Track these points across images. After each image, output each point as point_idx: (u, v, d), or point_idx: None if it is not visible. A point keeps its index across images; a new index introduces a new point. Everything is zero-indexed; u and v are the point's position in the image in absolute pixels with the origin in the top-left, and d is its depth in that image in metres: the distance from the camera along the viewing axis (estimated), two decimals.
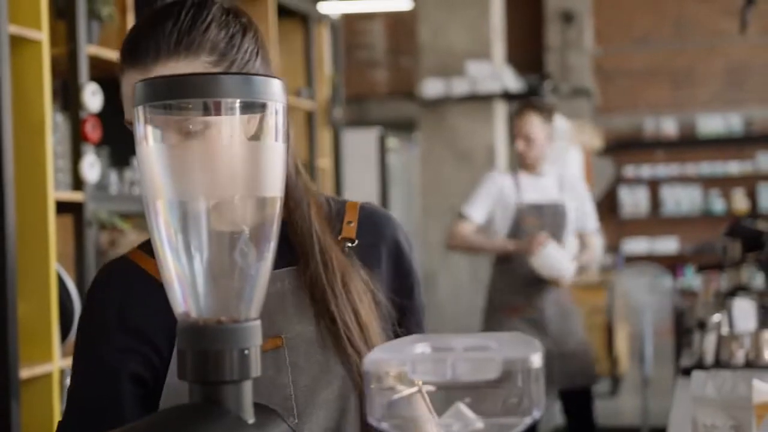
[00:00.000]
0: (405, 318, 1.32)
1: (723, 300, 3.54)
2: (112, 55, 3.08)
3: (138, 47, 1.17)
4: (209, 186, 0.88)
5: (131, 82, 1.17)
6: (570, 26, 10.07)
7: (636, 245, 10.48)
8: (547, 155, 4.05)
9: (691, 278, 9.61)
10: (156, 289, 1.21)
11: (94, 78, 2.96)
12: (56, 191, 2.78)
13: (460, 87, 5.82)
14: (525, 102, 4.26)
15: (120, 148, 3.21)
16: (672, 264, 9.92)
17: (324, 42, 4.98)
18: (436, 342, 0.79)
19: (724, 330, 2.81)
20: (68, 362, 2.80)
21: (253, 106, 0.88)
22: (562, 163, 8.07)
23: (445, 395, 0.76)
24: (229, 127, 0.88)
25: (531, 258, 3.91)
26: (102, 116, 2.96)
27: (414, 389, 0.79)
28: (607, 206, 10.57)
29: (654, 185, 10.54)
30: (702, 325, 3.12)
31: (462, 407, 0.75)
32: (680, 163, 10.41)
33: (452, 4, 6.05)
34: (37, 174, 2.69)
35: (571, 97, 9.61)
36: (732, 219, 8.27)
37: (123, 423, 1.15)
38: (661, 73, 10.49)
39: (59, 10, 2.90)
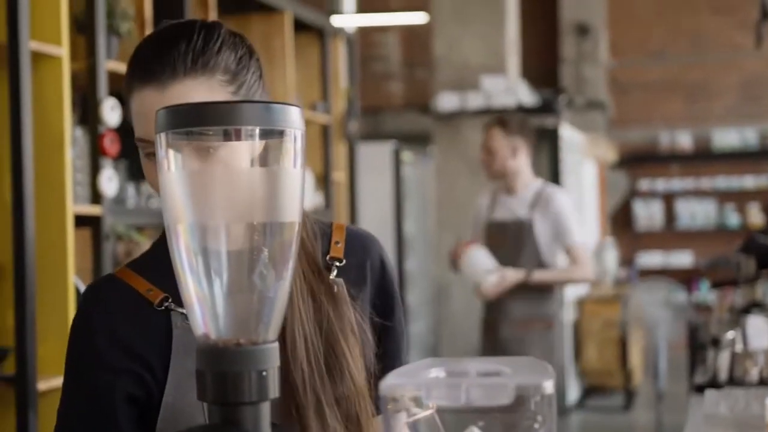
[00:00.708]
0: (384, 341, 1.32)
1: (737, 317, 3.53)
2: None
3: (152, 65, 1.18)
4: (229, 210, 0.90)
5: (145, 100, 1.18)
6: (585, 39, 10.07)
7: (650, 259, 10.46)
8: (517, 170, 4.02)
9: (706, 293, 9.58)
10: (145, 306, 1.22)
11: (112, 93, 2.99)
12: (75, 205, 2.81)
13: (475, 101, 5.84)
14: (494, 117, 4.32)
15: (137, 162, 3.23)
16: (686, 278, 9.89)
17: (339, 56, 5.01)
18: (451, 366, 0.80)
19: (738, 347, 2.81)
20: None
21: (272, 133, 0.90)
22: (576, 177, 8.07)
23: (459, 419, 0.78)
24: (248, 153, 0.90)
25: (458, 263, 3.99)
26: (120, 130, 3.00)
27: (428, 412, 0.80)
28: (622, 220, 10.55)
29: (669, 199, 10.52)
30: (716, 342, 3.11)
31: (475, 431, 0.76)
32: (695, 177, 10.39)
33: (467, 18, 6.08)
34: (56, 188, 2.72)
35: (585, 110, 9.61)
36: (747, 233, 8.25)
37: None
38: (676, 87, 10.48)
39: (79, 25, 2.94)
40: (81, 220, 2.88)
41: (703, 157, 10.34)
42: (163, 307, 1.22)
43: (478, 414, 0.76)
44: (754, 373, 2.66)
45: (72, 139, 2.81)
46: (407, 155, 6.59)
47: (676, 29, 10.41)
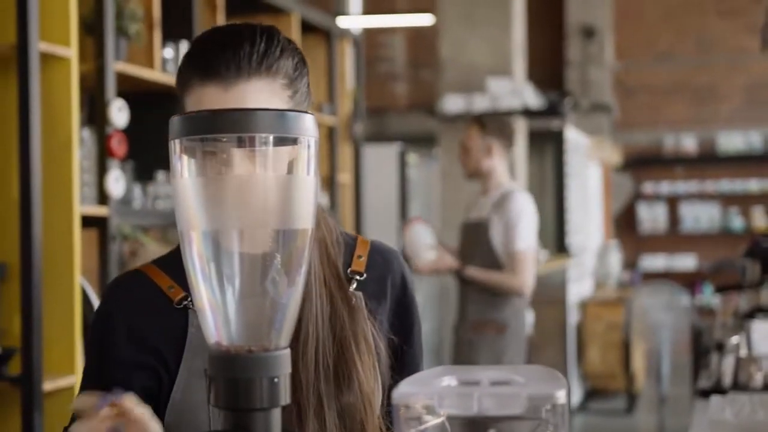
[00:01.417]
0: (401, 358, 1.32)
1: (742, 321, 3.53)
2: (139, 71, 3.12)
3: (217, 63, 1.18)
4: (242, 217, 0.90)
5: (206, 97, 1.18)
6: (591, 41, 10.07)
7: (654, 262, 10.45)
8: (491, 171, 4.01)
9: (710, 296, 9.57)
10: (165, 303, 1.24)
11: (120, 94, 3.00)
12: (82, 206, 2.82)
13: (481, 103, 5.84)
14: (474, 116, 4.38)
15: (144, 162, 3.25)
16: (690, 281, 9.88)
17: (346, 58, 5.01)
18: (462, 375, 0.81)
19: (743, 352, 2.81)
20: None
21: (286, 141, 0.90)
22: (580, 179, 8.07)
23: (471, 428, 0.78)
24: (262, 161, 0.90)
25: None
26: (127, 131, 3.00)
27: (439, 420, 0.81)
28: (626, 222, 10.55)
29: (673, 202, 10.51)
30: (720, 347, 3.11)
31: None
32: (700, 180, 10.38)
33: (473, 20, 6.08)
34: (64, 188, 2.72)
35: (591, 112, 9.61)
36: (751, 237, 8.24)
37: None
38: (681, 90, 10.47)
39: (88, 26, 2.95)
40: (87, 221, 2.89)
41: (708, 160, 10.33)
42: (182, 306, 1.23)
43: (489, 423, 0.76)
44: (758, 379, 2.66)
45: (79, 139, 2.82)
46: (412, 157, 6.59)
47: (682, 32, 10.40)
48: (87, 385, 1.26)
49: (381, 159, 6.18)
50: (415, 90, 10.21)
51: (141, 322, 1.24)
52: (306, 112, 0.91)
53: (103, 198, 2.93)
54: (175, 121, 0.90)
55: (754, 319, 3.31)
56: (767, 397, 2.10)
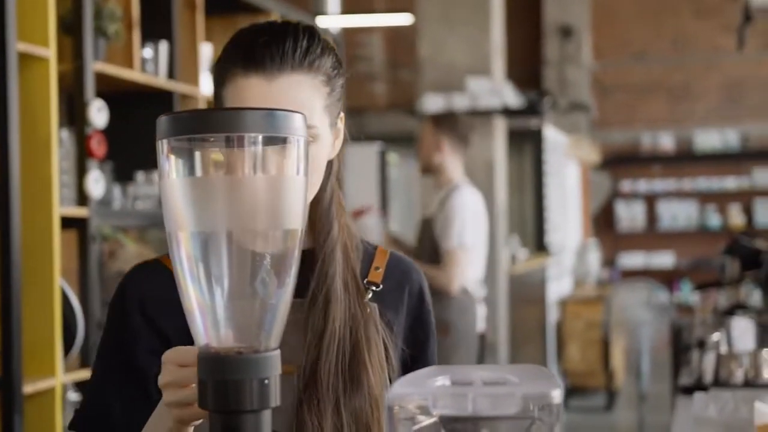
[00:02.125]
0: (412, 369, 1.31)
1: (721, 318, 3.55)
2: (118, 71, 3.10)
3: (259, 55, 1.18)
4: (231, 218, 0.89)
5: (248, 88, 1.18)
6: (568, 41, 10.11)
7: (632, 259, 10.51)
8: (441, 167, 4.02)
9: (688, 293, 9.64)
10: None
11: (99, 94, 2.98)
12: (61, 207, 2.79)
13: (460, 103, 5.84)
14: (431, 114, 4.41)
15: (124, 163, 3.22)
16: (668, 278, 9.94)
17: None
18: (456, 375, 0.80)
19: (723, 349, 2.83)
20: (71, 377, 2.81)
21: (276, 140, 0.89)
22: (559, 178, 8.10)
23: (465, 427, 0.78)
24: (251, 161, 0.89)
25: None
26: (106, 132, 2.98)
27: (433, 420, 0.80)
28: (604, 220, 10.59)
29: (650, 200, 10.57)
30: (701, 344, 3.13)
31: None
32: (677, 178, 10.44)
33: (452, 20, 6.08)
34: (43, 189, 2.70)
35: (568, 111, 9.65)
36: (728, 235, 8.29)
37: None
38: (658, 89, 10.53)
39: (66, 26, 2.92)
40: (67, 222, 2.86)
41: (685, 159, 10.40)
42: None
43: (484, 423, 0.76)
44: (739, 375, 2.68)
45: (58, 140, 2.79)
46: (392, 156, 6.59)
47: (659, 31, 10.46)
48: (104, 367, 1.27)
49: (361, 158, 6.18)
50: (394, 89, 10.21)
51: (156, 310, 1.24)
52: (295, 112, 0.91)
53: (82, 199, 2.91)
54: (162, 121, 0.89)
55: (733, 316, 3.33)
56: (750, 394, 2.11)
